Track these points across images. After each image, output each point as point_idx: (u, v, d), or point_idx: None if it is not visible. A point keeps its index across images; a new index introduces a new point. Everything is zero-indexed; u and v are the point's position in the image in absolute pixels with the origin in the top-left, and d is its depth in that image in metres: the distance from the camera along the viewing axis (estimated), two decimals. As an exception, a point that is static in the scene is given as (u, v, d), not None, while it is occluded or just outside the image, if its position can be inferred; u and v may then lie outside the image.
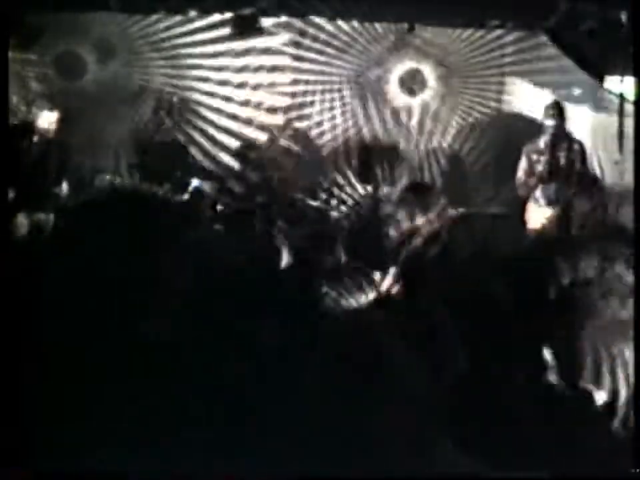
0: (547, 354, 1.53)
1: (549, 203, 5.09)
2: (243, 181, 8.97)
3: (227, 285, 2.44)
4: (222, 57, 9.45)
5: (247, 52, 9.41)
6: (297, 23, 9.34)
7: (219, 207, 8.12)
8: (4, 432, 1.58)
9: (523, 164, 7.67)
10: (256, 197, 8.52)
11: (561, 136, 7.58)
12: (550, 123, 7.54)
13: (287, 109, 9.61)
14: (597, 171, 8.28)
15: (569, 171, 7.54)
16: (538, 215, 6.91)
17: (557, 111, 7.61)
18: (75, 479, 1.54)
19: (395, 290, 3.01)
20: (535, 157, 7.61)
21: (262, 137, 9.56)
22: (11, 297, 1.78)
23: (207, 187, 8.33)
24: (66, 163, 7.66)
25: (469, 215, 7.75)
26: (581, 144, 7.78)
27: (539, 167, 7.55)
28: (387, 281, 3.06)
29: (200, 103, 9.54)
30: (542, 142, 7.63)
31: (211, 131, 9.56)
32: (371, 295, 2.67)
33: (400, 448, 1.51)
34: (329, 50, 9.58)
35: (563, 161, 7.55)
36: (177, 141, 9.34)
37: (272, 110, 9.59)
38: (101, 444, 1.56)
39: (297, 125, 9.65)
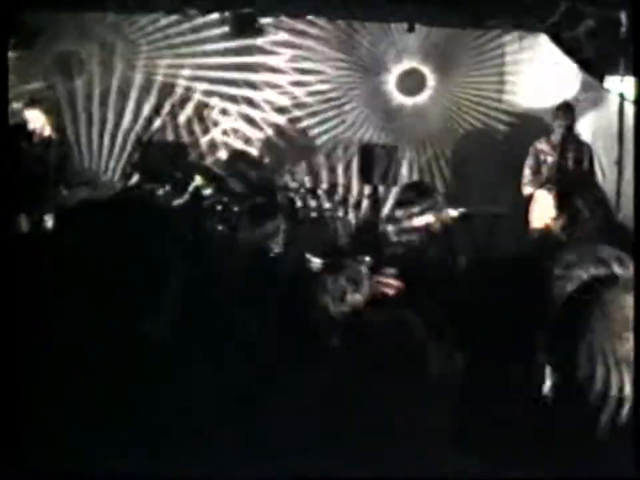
0: (547, 353, 1.53)
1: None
2: (242, 180, 8.98)
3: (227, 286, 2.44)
4: (221, 56, 9.44)
5: (246, 51, 9.42)
6: (297, 23, 9.34)
7: (218, 207, 8.12)
8: (4, 432, 1.58)
9: (529, 162, 7.69)
10: (256, 197, 8.52)
11: (570, 137, 7.60)
12: (559, 123, 7.56)
13: (286, 109, 9.62)
14: (598, 171, 8.27)
15: (575, 172, 7.57)
16: (542, 213, 6.90)
17: (567, 111, 7.63)
18: (74, 478, 1.54)
19: (393, 289, 3.01)
20: (542, 156, 7.64)
21: (262, 137, 9.58)
22: (11, 297, 1.78)
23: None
24: (66, 162, 7.65)
25: (468, 215, 7.75)
26: (588, 146, 7.81)
27: (546, 167, 7.57)
28: (386, 281, 3.06)
29: (200, 103, 9.54)
30: (550, 142, 7.65)
31: (211, 129, 9.56)
32: (370, 295, 2.67)
33: (400, 448, 1.51)
34: (328, 50, 9.58)
35: (570, 161, 7.58)
36: (176, 141, 9.35)
37: (271, 110, 9.60)
38: (101, 444, 1.56)
39: (297, 124, 9.66)
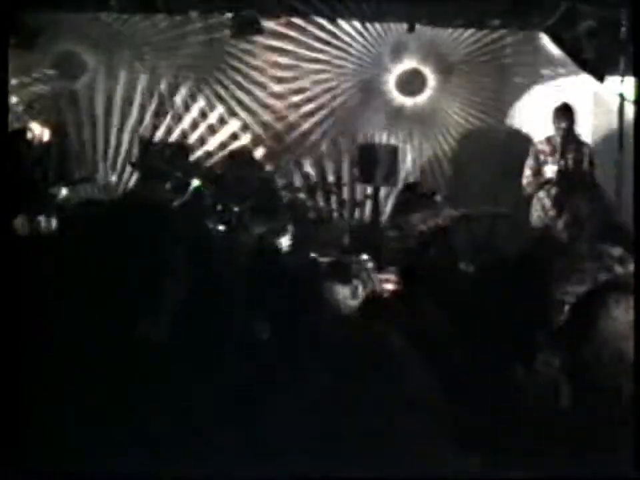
0: (548, 353, 1.53)
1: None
2: (242, 180, 8.98)
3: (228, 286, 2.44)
4: (222, 57, 9.45)
5: (246, 52, 9.42)
6: (297, 22, 9.34)
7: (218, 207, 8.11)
8: (4, 432, 1.57)
9: (530, 163, 7.70)
10: (256, 197, 8.52)
11: (570, 138, 7.61)
12: (560, 125, 7.57)
13: (285, 109, 9.62)
14: (598, 171, 8.26)
15: (576, 173, 7.57)
16: (542, 214, 6.91)
17: (567, 113, 7.63)
18: (74, 478, 1.54)
19: (393, 289, 3.01)
20: (542, 157, 7.64)
21: (261, 137, 9.58)
22: (11, 297, 1.78)
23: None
24: (66, 163, 7.65)
25: (468, 215, 7.75)
26: (588, 146, 7.81)
27: (546, 168, 7.58)
28: (385, 280, 3.06)
29: (200, 103, 9.54)
30: (551, 142, 7.65)
31: (211, 130, 9.57)
32: (370, 294, 2.67)
33: (399, 448, 1.50)
34: (328, 50, 9.58)
35: (571, 163, 7.58)
36: (176, 141, 9.34)
37: (271, 109, 9.60)
38: (101, 444, 1.56)
39: (296, 125, 9.66)
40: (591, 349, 1.48)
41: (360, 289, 2.63)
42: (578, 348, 1.49)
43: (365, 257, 2.77)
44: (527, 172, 7.71)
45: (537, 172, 7.65)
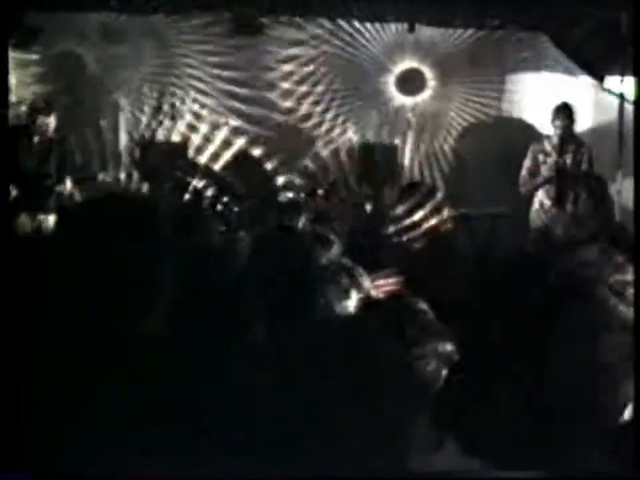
0: (546, 352, 1.53)
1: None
2: (243, 180, 8.98)
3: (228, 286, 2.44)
4: (222, 56, 9.45)
5: (245, 51, 9.41)
6: (297, 22, 9.34)
7: (218, 207, 8.12)
8: (4, 432, 1.57)
9: (527, 163, 7.71)
10: (255, 196, 8.53)
11: (569, 138, 7.61)
12: (558, 124, 7.58)
13: (285, 109, 9.62)
14: (597, 171, 8.27)
15: (575, 172, 7.58)
16: (541, 213, 6.91)
17: (566, 112, 7.64)
18: (74, 478, 1.54)
19: (392, 290, 3.01)
20: (541, 157, 7.66)
21: (261, 137, 9.57)
22: (11, 297, 1.78)
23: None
24: (66, 162, 7.66)
25: (468, 215, 7.76)
26: (587, 146, 7.81)
27: (545, 167, 7.59)
28: (385, 281, 3.06)
29: (199, 102, 9.54)
30: (549, 143, 7.66)
31: (211, 129, 9.56)
32: (368, 295, 2.67)
33: (397, 447, 1.51)
34: (327, 49, 9.58)
35: (569, 162, 7.59)
36: (177, 141, 9.34)
37: (270, 109, 9.59)
38: (100, 444, 1.56)
39: (296, 124, 9.66)
40: (583, 347, 1.48)
41: (354, 290, 2.63)
42: (568, 346, 1.49)
43: (359, 259, 2.77)
44: (524, 172, 7.72)
45: (535, 171, 7.66)
